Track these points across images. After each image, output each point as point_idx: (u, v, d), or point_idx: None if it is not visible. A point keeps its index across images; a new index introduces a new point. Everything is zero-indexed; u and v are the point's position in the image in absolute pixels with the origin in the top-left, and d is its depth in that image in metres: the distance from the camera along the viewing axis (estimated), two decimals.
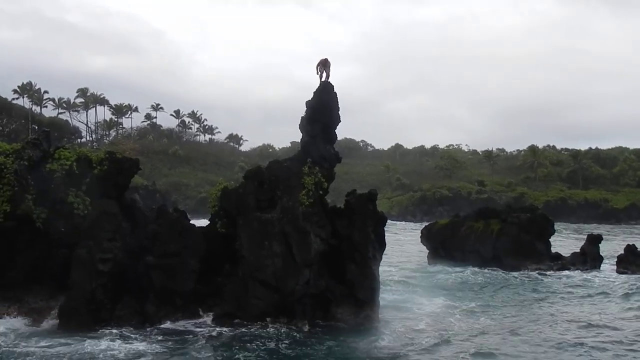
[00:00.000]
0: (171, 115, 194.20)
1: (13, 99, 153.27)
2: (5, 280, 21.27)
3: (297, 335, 19.73)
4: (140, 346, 17.80)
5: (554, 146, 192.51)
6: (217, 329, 20.02)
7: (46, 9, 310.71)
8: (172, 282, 20.74)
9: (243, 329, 19.88)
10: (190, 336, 19.27)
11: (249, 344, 18.47)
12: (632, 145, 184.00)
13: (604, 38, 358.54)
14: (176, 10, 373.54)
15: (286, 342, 18.84)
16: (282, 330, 19.95)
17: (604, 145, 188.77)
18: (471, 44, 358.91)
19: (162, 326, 20.10)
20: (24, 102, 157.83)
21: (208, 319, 20.82)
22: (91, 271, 19.91)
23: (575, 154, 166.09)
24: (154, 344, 18.06)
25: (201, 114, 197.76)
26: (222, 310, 20.83)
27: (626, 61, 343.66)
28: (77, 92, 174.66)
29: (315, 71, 23.86)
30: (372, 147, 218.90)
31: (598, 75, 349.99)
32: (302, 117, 23.52)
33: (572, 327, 22.00)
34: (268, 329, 19.97)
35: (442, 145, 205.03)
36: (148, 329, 19.73)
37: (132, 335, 18.94)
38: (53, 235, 21.75)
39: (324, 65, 23.81)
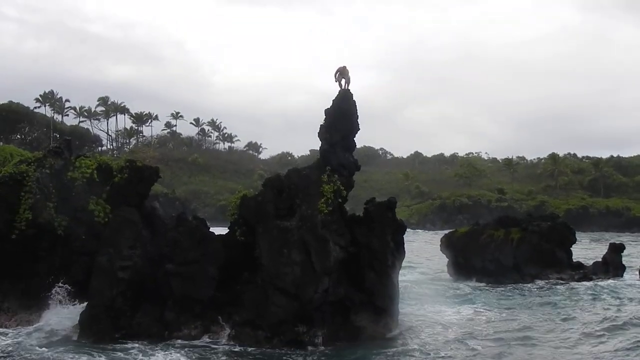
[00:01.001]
0: (191, 123, 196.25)
1: (35, 107, 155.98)
2: (27, 287, 21.43)
3: (321, 346, 19.49)
4: (159, 357, 17.75)
5: (575, 154, 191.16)
6: (239, 342, 19.73)
7: (69, 20, 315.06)
8: (191, 289, 20.77)
9: (265, 345, 19.52)
10: (210, 349, 19.09)
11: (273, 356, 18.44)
12: None
13: (626, 46, 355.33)
14: (197, 20, 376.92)
15: (312, 357, 18.60)
16: (305, 341, 19.61)
17: (626, 153, 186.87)
18: (492, 51, 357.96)
19: (181, 334, 20.04)
20: (46, 110, 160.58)
21: (227, 326, 20.75)
22: (111, 279, 19.99)
23: (596, 162, 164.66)
24: (175, 355, 17.98)
25: (220, 122, 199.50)
26: (242, 318, 20.78)
27: None
28: (98, 100, 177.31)
29: (334, 79, 23.79)
30: (391, 155, 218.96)
31: (620, 83, 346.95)
32: (321, 125, 23.46)
33: (605, 334, 21.83)
34: (289, 341, 19.63)
35: (461, 153, 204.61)
36: (167, 338, 19.67)
37: (151, 345, 18.86)
38: (74, 242, 21.92)
39: (342, 73, 23.69)
